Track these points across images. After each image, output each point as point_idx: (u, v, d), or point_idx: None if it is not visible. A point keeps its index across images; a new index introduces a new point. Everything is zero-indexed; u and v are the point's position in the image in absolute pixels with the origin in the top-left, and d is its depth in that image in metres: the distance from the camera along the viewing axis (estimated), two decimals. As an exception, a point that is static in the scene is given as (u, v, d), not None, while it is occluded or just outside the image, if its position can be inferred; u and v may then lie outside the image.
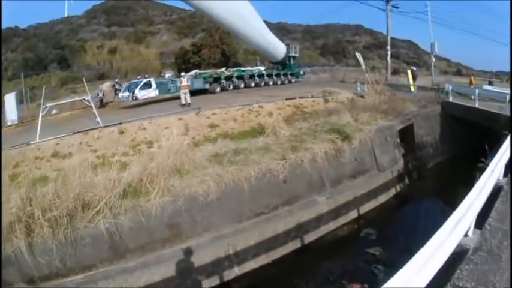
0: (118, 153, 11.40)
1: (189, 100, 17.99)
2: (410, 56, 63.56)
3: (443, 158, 17.92)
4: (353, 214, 11.90)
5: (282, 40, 57.42)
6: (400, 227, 11.56)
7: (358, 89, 22.37)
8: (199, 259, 8.47)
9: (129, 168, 9.46)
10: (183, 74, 22.69)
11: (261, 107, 16.36)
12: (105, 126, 13.23)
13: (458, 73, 51.76)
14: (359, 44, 68.30)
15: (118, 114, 17.55)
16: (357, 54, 25.32)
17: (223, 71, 28.21)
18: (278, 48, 32.35)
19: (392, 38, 73.15)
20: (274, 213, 10.36)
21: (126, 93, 20.62)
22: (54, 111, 20.28)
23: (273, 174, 10.57)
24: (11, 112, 22.43)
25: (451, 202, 10.85)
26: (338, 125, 13.69)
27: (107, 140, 12.43)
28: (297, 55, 35.17)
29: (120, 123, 13.36)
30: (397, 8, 29.51)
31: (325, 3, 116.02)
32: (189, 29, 66.44)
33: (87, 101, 16.61)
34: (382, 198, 13.10)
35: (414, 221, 11.97)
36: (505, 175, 7.06)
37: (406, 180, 14.80)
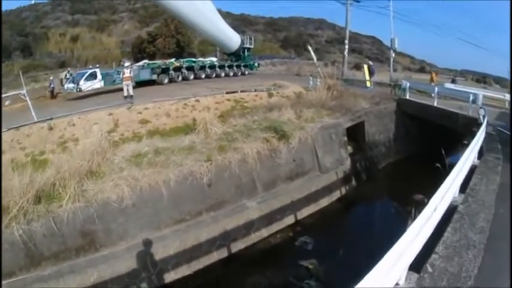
0: (46, 151, 11.12)
1: (131, 92, 17.66)
2: (374, 51, 66.28)
3: (396, 158, 18.27)
4: (289, 220, 11.67)
5: (243, 32, 57.60)
6: (341, 236, 11.40)
7: (311, 83, 22.53)
8: (115, 269, 8.25)
9: (41, 171, 9.21)
10: (125, 64, 22.00)
11: (197, 101, 15.91)
12: (36, 122, 12.88)
13: (422, 70, 54.25)
14: (321, 38, 70.57)
15: (63, 106, 17.15)
16: (309, 47, 25.57)
17: (172, 61, 28.18)
18: (232, 38, 32.33)
19: (356, 34, 76.29)
20: (196, 219, 10.14)
21: (71, 85, 20.76)
22: (7, 102, 19.66)
23: (195, 178, 10.28)
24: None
25: (401, 207, 11.07)
26: (277, 123, 13.46)
27: (36, 136, 12.10)
28: (251, 46, 35.25)
29: (51, 119, 13.04)
30: (358, 1, 29.85)
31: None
32: (151, 18, 67.60)
33: (23, 95, 16.09)
34: (324, 202, 13.00)
35: (357, 229, 11.98)
36: (461, 191, 6.72)
37: (353, 182, 14.84)
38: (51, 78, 25.98)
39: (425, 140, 17.24)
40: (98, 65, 30.08)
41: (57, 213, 8.22)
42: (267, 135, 12.44)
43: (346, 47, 30.07)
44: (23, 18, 62.05)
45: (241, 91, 17.45)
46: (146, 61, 28.38)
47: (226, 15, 74.65)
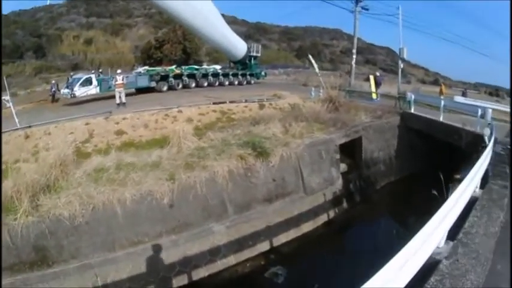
0: (20, 159, 10.77)
1: (123, 99, 18.00)
2: (388, 63, 64.76)
3: (398, 176, 17.03)
4: (263, 247, 10.66)
5: (258, 40, 57.25)
6: (320, 266, 10.20)
7: (313, 93, 21.87)
8: (64, 288, 7.94)
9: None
10: (118, 71, 21.92)
11: (180, 111, 15.19)
12: (17, 129, 12.82)
13: (435, 82, 52.63)
14: (336, 48, 69.67)
15: (57, 111, 17.31)
16: (309, 56, 24.70)
17: (172, 68, 27.72)
18: (237, 46, 31.84)
19: (371, 45, 75.38)
20: (155, 242, 9.46)
21: (67, 90, 20.80)
22: (8, 105, 19.45)
23: (155, 197, 9.64)
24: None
25: (398, 234, 9.93)
26: (258, 138, 12.47)
27: (13, 144, 11.95)
28: (258, 55, 34.58)
29: (30, 127, 12.96)
30: (367, 9, 28.75)
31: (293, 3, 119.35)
32: (166, 23, 67.30)
33: (7, 101, 16.57)
34: (307, 227, 11.89)
35: (340, 259, 10.75)
36: (450, 237, 5.25)
37: (344, 204, 13.70)
38: (53, 81, 25.91)
39: (431, 157, 16.02)
40: (100, 70, 30.41)
41: (12, 225, 8.13)
42: (242, 152, 11.52)
43: (354, 56, 28.97)
44: (37, 18, 62.72)
45: (230, 102, 16.58)
46: (146, 67, 28.36)
47: (242, 24, 74.99)
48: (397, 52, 26.79)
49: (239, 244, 10.24)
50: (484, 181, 7.90)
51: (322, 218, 12.58)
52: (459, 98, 25.42)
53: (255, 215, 11.21)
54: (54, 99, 23.56)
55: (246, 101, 16.77)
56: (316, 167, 13.09)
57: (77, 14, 69.72)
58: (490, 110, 14.21)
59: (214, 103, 16.19)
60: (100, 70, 30.06)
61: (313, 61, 23.01)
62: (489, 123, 12.38)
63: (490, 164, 9.05)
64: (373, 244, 10.97)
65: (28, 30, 51.41)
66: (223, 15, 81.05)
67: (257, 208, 11.44)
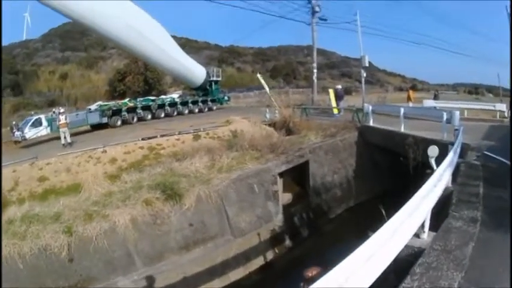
0: None
1: (69, 139, 17.50)
2: (364, 74, 64.07)
3: (359, 200, 15.67)
4: (179, 301, 9.18)
5: (232, 64, 56.67)
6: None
7: (267, 115, 20.74)
8: None
9: None
10: (60, 110, 20.83)
11: (105, 151, 13.79)
12: None
13: (413, 88, 52.27)
14: (310, 65, 69.03)
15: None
16: (258, 75, 23.68)
17: (125, 102, 26.83)
18: (194, 72, 30.64)
19: (346, 58, 75.45)
20: None
21: (18, 132, 19.80)
22: None
23: (53, 251, 8.94)
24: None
25: None
26: (176, 177, 11.07)
27: None
28: (219, 79, 33.60)
29: None
30: (325, 20, 28.08)
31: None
32: None
33: None
34: (236, 275, 10.42)
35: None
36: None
37: (287, 242, 12.16)
38: (13, 122, 24.58)
39: (397, 173, 14.04)
40: (61, 108, 29.09)
41: None
42: (150, 196, 10.09)
43: (315, 71, 28.23)
44: (14, 55, 62.18)
45: (161, 136, 15.15)
46: (100, 102, 27.14)
47: (215, 48, 74.76)
48: (372, 63, 26.12)
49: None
50: (436, 216, 5.65)
51: (257, 262, 11.05)
52: (428, 102, 24.24)
53: (168, 265, 9.94)
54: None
55: (179, 133, 15.33)
56: (246, 204, 11.64)
57: (53, 48, 69.67)
58: (457, 113, 12.71)
59: (142, 139, 14.74)
60: (61, 108, 28.96)
61: (262, 81, 22.19)
62: (456, 129, 10.58)
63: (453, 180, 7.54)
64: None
65: (6, 68, 49.89)
66: (195, 41, 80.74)
67: (171, 258, 10.11)
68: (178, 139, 14.85)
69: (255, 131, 16.63)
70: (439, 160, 7.29)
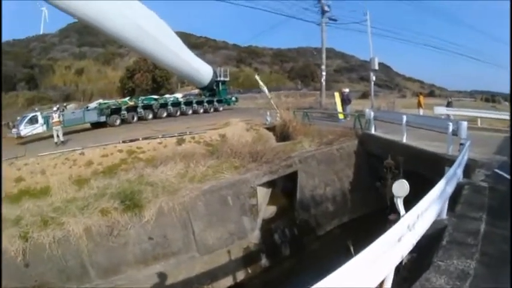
0: None
1: (61, 138, 17.45)
2: (383, 78, 62.72)
3: (355, 215, 14.57)
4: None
5: (249, 64, 56.16)
6: None
7: (268, 118, 20.17)
8: None
9: None
10: (54, 108, 20.68)
11: (82, 154, 13.36)
12: None
13: (431, 94, 50.52)
14: (329, 68, 68.06)
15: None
16: (256, 77, 22.70)
17: (125, 100, 26.73)
18: (200, 72, 30.18)
19: (365, 62, 73.51)
20: None
21: (14, 129, 20.05)
22: None
23: (10, 255, 8.85)
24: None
25: None
26: (142, 185, 10.45)
27: None
28: (226, 79, 33.13)
29: None
30: (335, 20, 27.07)
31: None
32: None
33: None
34: (200, 297, 9.55)
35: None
36: None
37: (263, 261, 11.28)
38: (18, 118, 24.92)
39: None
40: (65, 105, 29.17)
41: None
42: (108, 206, 9.47)
43: (324, 73, 27.12)
44: (31, 49, 63.47)
45: (144, 138, 14.55)
46: (100, 100, 27.03)
47: (233, 48, 74.33)
48: (391, 67, 25.05)
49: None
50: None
51: (224, 283, 10.25)
52: (440, 109, 22.78)
53: (124, 280, 9.47)
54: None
55: (163, 136, 14.68)
56: (215, 219, 10.85)
57: (70, 43, 70.53)
58: (465, 124, 11.32)
59: (123, 141, 14.16)
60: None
61: (261, 83, 21.21)
62: (461, 143, 9.43)
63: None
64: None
65: (21, 61, 51.72)
66: (213, 40, 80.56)
67: (127, 272, 9.59)
68: (160, 143, 14.26)
69: (245, 136, 15.85)
70: (437, 180, 5.93)
